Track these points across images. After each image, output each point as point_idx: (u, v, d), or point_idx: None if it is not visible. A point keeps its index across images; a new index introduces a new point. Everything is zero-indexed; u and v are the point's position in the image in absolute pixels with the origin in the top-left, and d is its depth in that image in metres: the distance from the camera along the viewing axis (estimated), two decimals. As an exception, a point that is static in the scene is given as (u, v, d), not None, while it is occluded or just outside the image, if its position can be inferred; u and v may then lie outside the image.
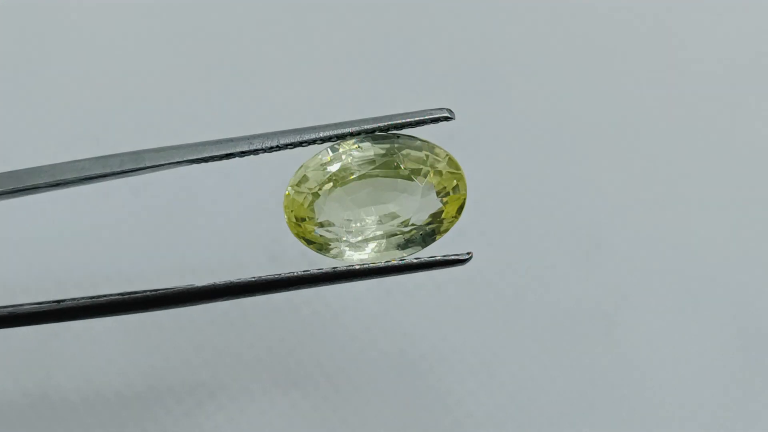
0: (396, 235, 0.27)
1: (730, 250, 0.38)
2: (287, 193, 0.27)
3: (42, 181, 0.27)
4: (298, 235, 0.27)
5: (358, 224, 0.27)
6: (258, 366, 0.36)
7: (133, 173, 0.27)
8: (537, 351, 0.37)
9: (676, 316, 0.37)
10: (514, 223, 0.38)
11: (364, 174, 0.26)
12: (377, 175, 0.26)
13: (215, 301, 0.27)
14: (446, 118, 0.27)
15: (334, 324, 0.36)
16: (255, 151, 0.27)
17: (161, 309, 0.27)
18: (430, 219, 0.27)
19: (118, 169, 0.27)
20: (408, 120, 0.27)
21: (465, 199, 0.27)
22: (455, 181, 0.27)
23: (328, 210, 0.27)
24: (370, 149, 0.27)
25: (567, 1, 0.42)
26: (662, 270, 0.38)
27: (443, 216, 0.27)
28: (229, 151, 0.27)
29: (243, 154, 0.27)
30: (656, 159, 0.39)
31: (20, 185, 0.27)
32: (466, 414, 0.36)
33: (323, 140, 0.27)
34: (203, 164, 0.27)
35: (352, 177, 0.26)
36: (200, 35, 0.40)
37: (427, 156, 0.27)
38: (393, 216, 0.27)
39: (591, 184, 0.39)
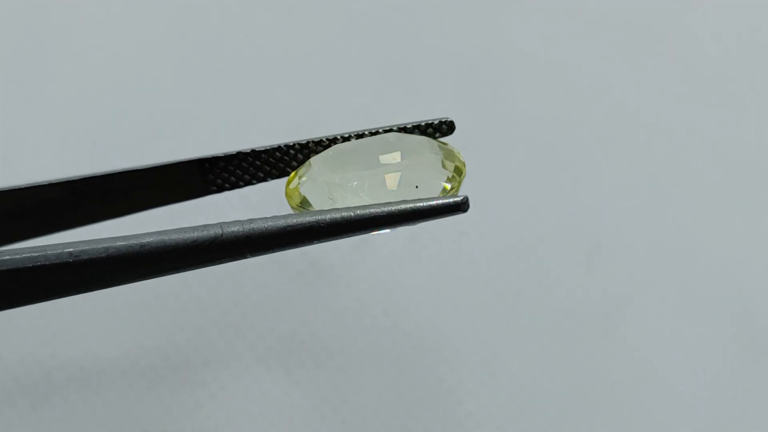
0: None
1: (730, 250, 0.38)
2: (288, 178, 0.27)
3: (55, 179, 0.27)
4: (295, 205, 0.27)
5: (351, 179, 0.26)
6: (258, 366, 0.36)
7: (144, 177, 0.27)
8: (537, 351, 0.37)
9: (676, 316, 0.37)
10: (515, 223, 0.38)
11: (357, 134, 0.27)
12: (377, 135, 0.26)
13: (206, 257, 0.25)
14: (448, 127, 0.27)
15: (334, 324, 0.37)
16: (262, 154, 0.27)
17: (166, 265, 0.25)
18: (428, 177, 0.26)
19: (131, 168, 0.27)
20: (410, 126, 0.27)
21: (463, 167, 0.27)
22: (453, 150, 0.27)
23: (320, 165, 0.26)
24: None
25: (567, 0, 0.42)
26: (662, 270, 0.38)
27: (442, 180, 0.27)
28: (237, 150, 0.27)
29: (253, 151, 0.27)
30: (657, 159, 0.39)
31: (36, 183, 0.27)
32: (466, 414, 0.36)
33: (330, 141, 0.27)
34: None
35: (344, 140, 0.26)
36: (201, 38, 0.40)
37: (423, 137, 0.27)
38: (386, 166, 0.26)
39: (591, 184, 0.39)
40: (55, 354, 0.35)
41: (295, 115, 0.39)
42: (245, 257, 0.25)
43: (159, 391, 0.35)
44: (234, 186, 0.28)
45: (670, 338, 0.37)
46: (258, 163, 0.28)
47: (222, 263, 0.25)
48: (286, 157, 0.28)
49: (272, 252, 0.25)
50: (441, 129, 0.28)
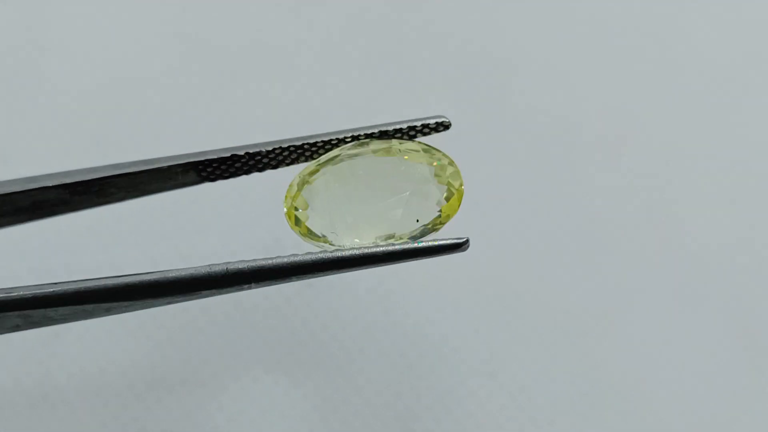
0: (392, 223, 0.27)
1: (730, 250, 0.38)
2: (285, 196, 0.27)
3: (52, 183, 0.28)
4: (296, 229, 0.27)
5: (353, 208, 0.27)
6: (258, 367, 0.36)
7: (141, 177, 0.27)
8: (537, 351, 0.37)
9: (676, 316, 0.37)
10: (514, 224, 0.38)
11: (356, 153, 0.27)
12: (371, 154, 0.27)
13: (207, 290, 0.26)
14: (443, 125, 0.27)
15: (333, 325, 0.37)
16: (256, 155, 0.27)
17: (157, 298, 0.26)
18: (427, 221, 0.27)
19: (128, 171, 0.27)
20: (405, 126, 0.27)
21: (462, 192, 0.27)
22: (452, 173, 0.27)
23: (323, 197, 0.27)
24: (366, 142, 0.27)
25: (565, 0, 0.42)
26: (662, 270, 0.38)
27: (441, 218, 0.27)
28: (232, 153, 0.27)
29: (247, 155, 0.27)
30: (656, 158, 0.39)
31: (33, 185, 0.27)
32: (466, 414, 0.36)
33: (324, 143, 0.27)
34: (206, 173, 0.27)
35: (343, 156, 0.27)
36: (199, 38, 0.40)
37: (421, 146, 0.27)
38: (386, 196, 0.27)
39: (591, 183, 0.39)
40: (55, 353, 0.36)
41: (290, 113, 0.39)
42: (250, 288, 0.26)
43: (158, 392, 0.35)
44: (229, 177, 0.28)
45: (671, 338, 0.37)
46: (252, 162, 0.28)
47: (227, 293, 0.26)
48: (280, 158, 0.28)
49: (276, 284, 0.26)
50: (437, 129, 0.28)
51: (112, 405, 0.35)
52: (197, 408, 0.35)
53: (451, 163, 0.27)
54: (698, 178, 0.39)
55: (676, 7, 0.42)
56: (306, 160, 0.28)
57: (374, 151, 0.27)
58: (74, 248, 0.37)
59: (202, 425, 0.35)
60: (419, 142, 0.27)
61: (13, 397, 0.35)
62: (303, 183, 0.27)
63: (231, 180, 0.29)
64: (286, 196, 0.27)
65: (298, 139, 0.27)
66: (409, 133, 0.27)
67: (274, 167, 0.28)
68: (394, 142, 0.27)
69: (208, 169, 0.28)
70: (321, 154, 0.28)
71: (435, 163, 0.27)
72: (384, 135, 0.27)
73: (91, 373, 0.35)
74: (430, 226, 0.27)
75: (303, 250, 0.27)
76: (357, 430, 0.35)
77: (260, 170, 0.28)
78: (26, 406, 0.35)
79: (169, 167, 0.27)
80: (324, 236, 0.27)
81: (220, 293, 0.26)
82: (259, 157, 0.28)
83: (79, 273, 0.36)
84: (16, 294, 0.25)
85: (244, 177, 0.28)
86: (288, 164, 0.28)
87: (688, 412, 0.36)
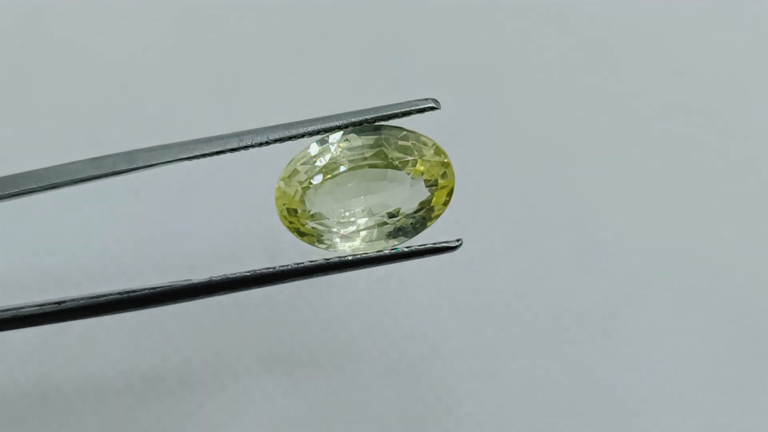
0: (386, 224, 0.27)
1: (729, 250, 0.38)
2: (278, 186, 0.27)
3: (37, 185, 0.28)
4: (290, 228, 0.28)
5: (348, 215, 0.27)
6: (258, 366, 0.36)
7: (126, 173, 0.27)
8: (537, 351, 0.37)
9: (676, 316, 0.37)
10: (514, 224, 0.38)
11: (353, 166, 0.27)
12: (366, 166, 0.27)
13: (212, 295, 0.27)
14: (432, 108, 0.27)
15: (334, 325, 0.37)
16: (245, 147, 0.27)
17: (159, 305, 0.27)
18: (418, 207, 0.27)
19: (111, 170, 0.27)
20: (394, 111, 0.27)
21: (453, 186, 0.27)
22: (443, 170, 0.27)
23: (318, 202, 0.27)
24: (357, 140, 0.27)
25: None
26: (662, 270, 0.38)
27: (432, 204, 0.27)
28: (219, 149, 0.27)
29: (233, 150, 0.27)
30: (656, 157, 0.39)
31: (16, 189, 0.28)
32: (466, 414, 0.36)
33: (311, 134, 0.27)
34: (197, 162, 0.27)
35: (341, 169, 0.27)
36: (192, 34, 0.41)
37: (413, 144, 0.27)
38: (383, 206, 0.27)
39: (591, 183, 0.39)
40: (55, 353, 0.36)
41: (288, 113, 0.39)
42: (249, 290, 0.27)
43: (158, 392, 0.35)
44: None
45: (670, 338, 0.37)
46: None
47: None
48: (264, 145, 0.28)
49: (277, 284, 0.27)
50: (424, 110, 0.28)
51: (112, 405, 0.35)
52: (197, 408, 0.35)
53: (442, 153, 0.27)
54: (699, 177, 0.39)
55: (676, 8, 0.42)
56: (291, 140, 0.28)
57: (366, 155, 0.27)
58: (64, 230, 0.37)
59: (202, 425, 0.35)
60: (410, 131, 0.27)
61: (13, 397, 0.35)
62: (302, 189, 0.27)
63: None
64: (276, 198, 0.27)
65: (284, 127, 0.27)
66: (398, 116, 0.27)
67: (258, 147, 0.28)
68: (384, 137, 0.27)
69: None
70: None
71: (425, 155, 0.27)
72: (370, 122, 0.27)
73: (91, 373, 0.35)
74: (422, 223, 0.27)
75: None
76: (357, 430, 0.35)
77: (245, 149, 0.28)
78: (26, 406, 0.35)
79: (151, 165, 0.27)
80: (318, 235, 0.27)
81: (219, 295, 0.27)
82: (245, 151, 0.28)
83: (62, 253, 0.36)
84: (23, 312, 0.27)
85: (229, 155, 0.28)
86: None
87: (688, 412, 0.36)
